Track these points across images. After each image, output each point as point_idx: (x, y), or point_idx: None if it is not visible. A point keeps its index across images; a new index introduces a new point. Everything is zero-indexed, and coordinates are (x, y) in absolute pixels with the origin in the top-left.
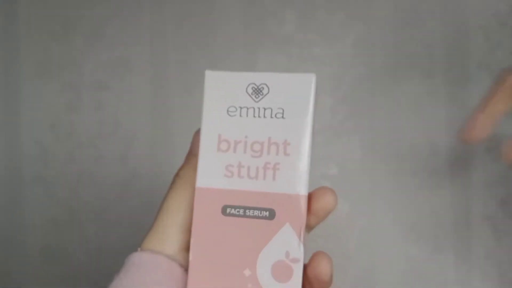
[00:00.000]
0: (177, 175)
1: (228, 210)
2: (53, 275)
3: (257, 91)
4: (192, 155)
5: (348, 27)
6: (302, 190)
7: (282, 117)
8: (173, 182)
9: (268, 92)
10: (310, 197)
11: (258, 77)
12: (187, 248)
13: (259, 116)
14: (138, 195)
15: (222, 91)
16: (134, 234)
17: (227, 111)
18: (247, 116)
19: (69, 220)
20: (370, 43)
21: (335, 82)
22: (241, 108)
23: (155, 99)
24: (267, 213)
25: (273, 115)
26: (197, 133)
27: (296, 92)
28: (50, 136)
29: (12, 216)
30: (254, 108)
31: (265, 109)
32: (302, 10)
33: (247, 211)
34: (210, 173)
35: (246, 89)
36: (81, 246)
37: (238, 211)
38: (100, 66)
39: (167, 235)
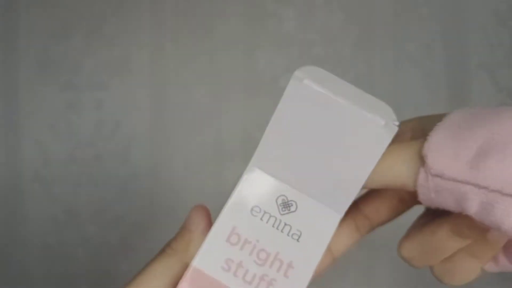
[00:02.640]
0: (168, 245)
1: None
2: (53, 274)
3: (285, 205)
4: (186, 230)
5: (348, 27)
6: None
7: (297, 240)
8: (163, 251)
9: (295, 210)
10: None
11: (292, 193)
12: None
13: (277, 229)
14: (138, 195)
15: (256, 189)
16: (134, 234)
17: (251, 209)
18: (266, 222)
19: (68, 219)
20: (370, 43)
21: None
22: (265, 212)
23: (155, 99)
24: None
25: (290, 234)
26: (196, 209)
27: (319, 224)
28: (49, 136)
29: (11, 215)
30: (276, 219)
31: (285, 224)
32: (302, 9)
33: None
34: (210, 258)
35: (277, 198)
36: (80, 246)
37: None
38: (99, 66)
39: None
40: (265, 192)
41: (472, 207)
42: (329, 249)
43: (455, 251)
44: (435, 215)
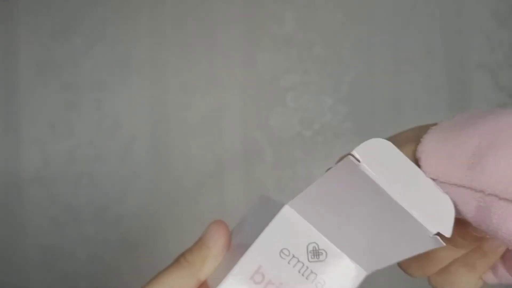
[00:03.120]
0: (183, 256)
1: None
2: (53, 274)
3: (315, 253)
4: (204, 245)
5: (348, 28)
6: None
7: None
8: (177, 262)
9: (324, 259)
10: None
11: (324, 242)
12: None
13: (302, 275)
14: (138, 195)
15: (288, 231)
16: (133, 233)
17: (281, 251)
18: (293, 267)
19: (68, 219)
20: (369, 44)
21: (335, 83)
22: (293, 256)
23: (155, 99)
24: None
25: (314, 282)
26: (215, 224)
27: (344, 277)
28: (49, 136)
29: (11, 216)
30: (303, 265)
31: (311, 272)
32: (302, 10)
33: None
34: None
35: (308, 245)
36: (80, 246)
37: None
38: (100, 66)
39: None
40: (297, 236)
41: (470, 211)
42: None
43: (451, 262)
44: None
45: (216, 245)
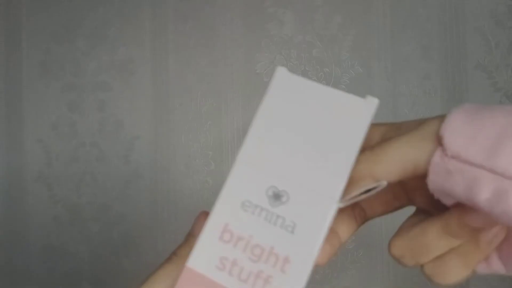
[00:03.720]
0: (174, 253)
1: None
2: (56, 272)
3: (276, 197)
4: (192, 236)
5: (346, 29)
6: None
7: (292, 232)
8: (169, 259)
9: (286, 201)
10: None
11: (281, 183)
12: None
13: (269, 222)
14: (140, 194)
15: (245, 183)
16: (136, 232)
17: (242, 204)
18: (259, 216)
19: (71, 219)
20: (367, 45)
21: (333, 83)
22: (256, 206)
23: (157, 100)
24: None
25: (283, 226)
26: (201, 215)
27: (313, 213)
28: (52, 136)
29: (14, 215)
30: (268, 212)
31: (278, 216)
32: (301, 12)
33: None
34: (204, 258)
35: (267, 190)
36: (83, 245)
37: None
38: (102, 67)
39: None
40: (255, 185)
41: (482, 194)
42: (336, 233)
43: (446, 251)
44: (426, 215)
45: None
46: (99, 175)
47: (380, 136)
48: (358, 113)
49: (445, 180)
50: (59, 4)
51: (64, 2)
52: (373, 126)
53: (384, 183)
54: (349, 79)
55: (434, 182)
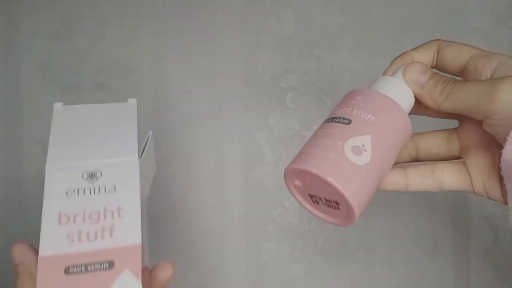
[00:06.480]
0: (15, 286)
1: (70, 269)
2: None
3: (92, 176)
4: (17, 266)
5: (347, 28)
6: (136, 240)
7: (115, 190)
8: None
9: (101, 176)
10: (152, 269)
11: (91, 166)
12: None
13: (94, 193)
14: None
15: (61, 178)
16: None
17: (66, 193)
18: (84, 194)
19: None
20: (368, 44)
21: (333, 83)
22: (78, 189)
23: (155, 100)
24: (106, 265)
25: (107, 190)
26: (15, 243)
27: (124, 171)
28: None
29: (12, 215)
30: (90, 188)
31: (99, 187)
32: (301, 11)
33: (88, 267)
34: (52, 243)
35: (82, 175)
36: None
37: (79, 269)
38: (101, 67)
39: None
40: (70, 176)
41: None
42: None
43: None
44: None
45: (24, 257)
46: None
47: (468, 58)
48: (127, 110)
49: None
50: (57, 3)
51: (63, 1)
52: (463, 46)
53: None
54: (350, 79)
55: (509, 151)
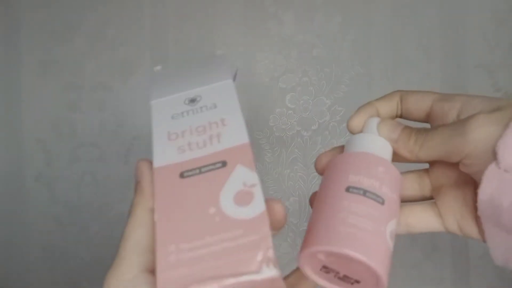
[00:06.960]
0: (131, 205)
1: (185, 174)
2: (56, 274)
3: (193, 101)
4: (139, 183)
5: (346, 29)
6: (244, 140)
7: (215, 107)
8: (128, 212)
9: (201, 99)
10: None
11: (191, 93)
12: (148, 270)
13: (198, 112)
14: None
15: (166, 107)
16: None
17: (172, 117)
18: (188, 115)
19: (71, 219)
20: (368, 44)
21: (333, 83)
22: (182, 112)
23: None
24: (220, 164)
25: (208, 108)
26: (139, 162)
27: (222, 92)
28: (52, 136)
29: (14, 215)
30: (193, 110)
31: (201, 107)
32: (301, 12)
33: (202, 169)
34: (164, 155)
35: (184, 101)
36: (83, 245)
37: (194, 172)
38: (101, 67)
39: (127, 261)
40: (173, 105)
41: None
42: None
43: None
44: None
45: (145, 176)
46: (99, 175)
47: (456, 113)
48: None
49: (496, 190)
50: (58, 4)
51: (64, 2)
52: (450, 96)
53: None
54: (349, 79)
55: (485, 191)
